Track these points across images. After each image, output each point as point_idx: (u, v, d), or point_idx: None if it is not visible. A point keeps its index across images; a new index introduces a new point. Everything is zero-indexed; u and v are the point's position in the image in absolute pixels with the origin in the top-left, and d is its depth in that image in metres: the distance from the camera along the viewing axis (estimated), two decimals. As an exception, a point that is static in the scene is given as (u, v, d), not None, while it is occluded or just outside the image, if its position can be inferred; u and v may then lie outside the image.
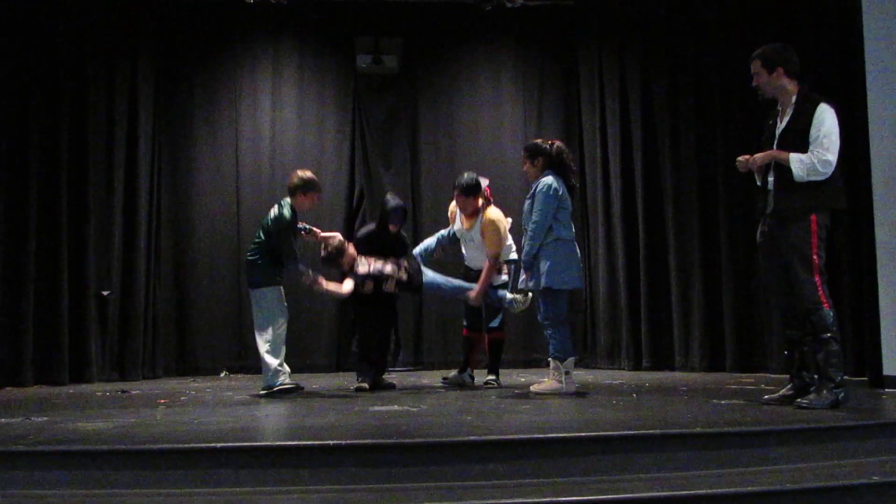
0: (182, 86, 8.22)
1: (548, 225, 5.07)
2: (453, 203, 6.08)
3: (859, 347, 5.83)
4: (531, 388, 5.24)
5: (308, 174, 5.55)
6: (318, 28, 8.49)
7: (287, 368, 5.46)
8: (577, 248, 5.30)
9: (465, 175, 5.85)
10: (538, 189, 5.13)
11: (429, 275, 5.84)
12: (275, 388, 5.34)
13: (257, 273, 5.47)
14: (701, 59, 7.51)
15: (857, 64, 5.59)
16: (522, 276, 5.24)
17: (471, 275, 5.96)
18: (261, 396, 5.36)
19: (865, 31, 5.50)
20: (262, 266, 5.46)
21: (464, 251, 6.10)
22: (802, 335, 4.26)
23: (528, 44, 8.63)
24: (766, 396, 4.46)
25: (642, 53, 7.88)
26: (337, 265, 5.71)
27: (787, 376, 4.45)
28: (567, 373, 5.10)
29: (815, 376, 4.21)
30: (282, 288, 5.53)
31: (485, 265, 5.69)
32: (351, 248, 5.72)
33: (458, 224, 6.02)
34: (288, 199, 5.50)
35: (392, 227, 5.85)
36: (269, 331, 5.42)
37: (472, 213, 5.86)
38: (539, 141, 5.42)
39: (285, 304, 5.54)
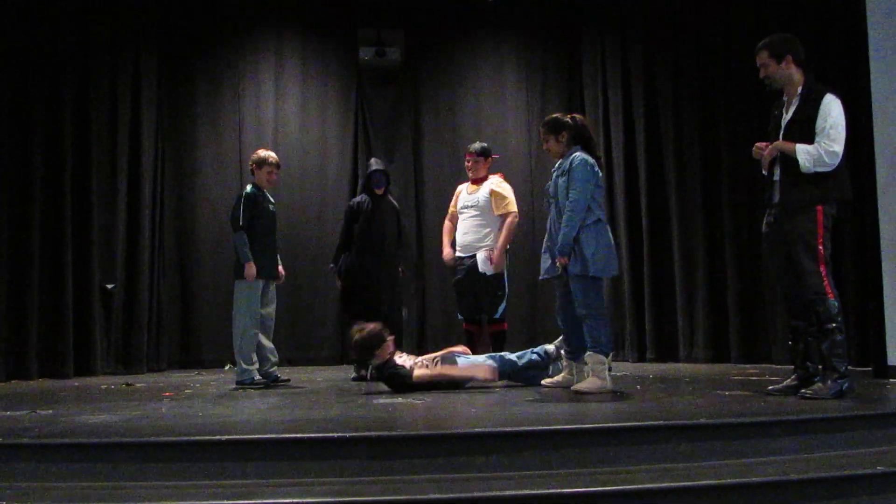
0: (185, 78, 8.23)
1: (587, 204, 4.62)
2: (461, 186, 6.34)
3: (864, 337, 5.83)
4: (573, 387, 4.76)
5: (260, 152, 5.85)
6: (321, 20, 8.49)
7: (256, 364, 5.55)
8: None
9: (478, 142, 6.26)
10: (573, 164, 4.68)
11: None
12: (245, 384, 5.49)
13: (234, 265, 5.66)
14: (704, 49, 7.49)
15: (860, 55, 5.56)
16: (548, 263, 4.83)
17: (464, 262, 6.01)
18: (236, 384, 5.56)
19: (869, 22, 5.48)
20: (236, 259, 5.63)
21: (458, 232, 6.17)
22: (807, 325, 4.26)
23: (531, 35, 8.61)
24: (770, 387, 4.46)
25: (645, 44, 7.86)
26: (368, 354, 5.20)
27: (792, 367, 4.45)
28: (609, 369, 4.70)
29: (820, 366, 4.21)
30: (258, 284, 5.54)
31: (503, 228, 5.94)
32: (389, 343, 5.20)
33: (463, 195, 6.20)
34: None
35: (377, 191, 6.09)
36: (237, 327, 5.54)
37: (479, 179, 6.15)
38: (558, 115, 5.00)
39: (260, 301, 5.57)
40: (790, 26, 5.79)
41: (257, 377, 5.54)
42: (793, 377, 4.36)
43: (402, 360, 5.18)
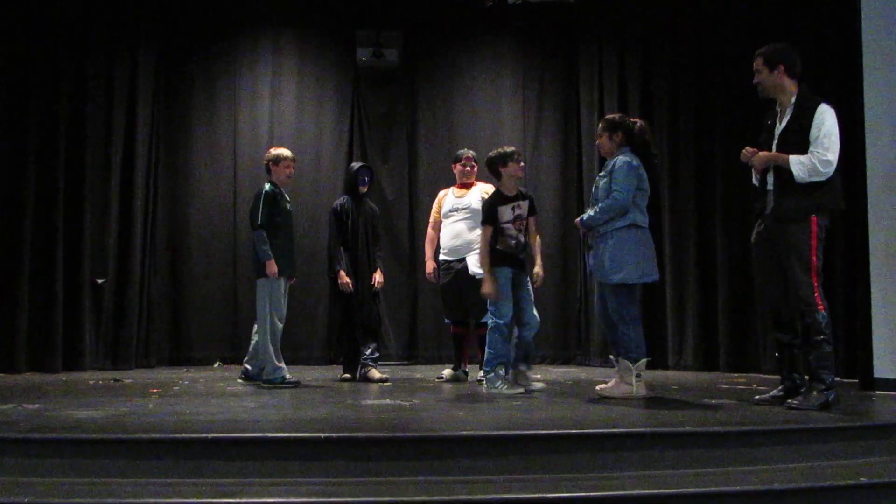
0: (181, 76, 8.21)
1: (628, 206, 4.61)
2: (443, 192, 6.36)
3: (851, 349, 5.84)
4: (597, 388, 4.78)
5: (273, 150, 5.87)
6: (319, 20, 8.48)
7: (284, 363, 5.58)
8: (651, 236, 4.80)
9: (468, 149, 6.38)
10: (616, 165, 4.70)
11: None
12: (276, 383, 5.47)
13: (254, 264, 5.62)
14: (701, 59, 7.50)
15: (855, 66, 5.59)
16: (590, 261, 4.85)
17: (452, 266, 6.00)
18: (262, 386, 5.53)
19: (864, 33, 5.51)
20: (255, 257, 5.61)
21: (445, 236, 6.14)
22: (793, 336, 4.28)
23: (529, 40, 8.62)
24: (756, 397, 4.48)
25: (642, 52, 7.88)
26: (492, 167, 5.22)
27: (779, 377, 4.47)
28: (638, 375, 4.66)
29: (807, 377, 4.23)
30: (280, 282, 5.55)
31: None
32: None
33: (450, 199, 6.20)
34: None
35: (362, 188, 6.13)
36: (262, 323, 5.54)
37: (468, 184, 6.19)
38: (621, 116, 5.00)
39: (281, 300, 5.60)
40: (786, 36, 5.80)
41: (288, 376, 5.54)
42: (779, 388, 4.39)
43: (507, 214, 5.10)
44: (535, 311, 5.18)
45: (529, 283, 5.22)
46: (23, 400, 4.53)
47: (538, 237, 5.36)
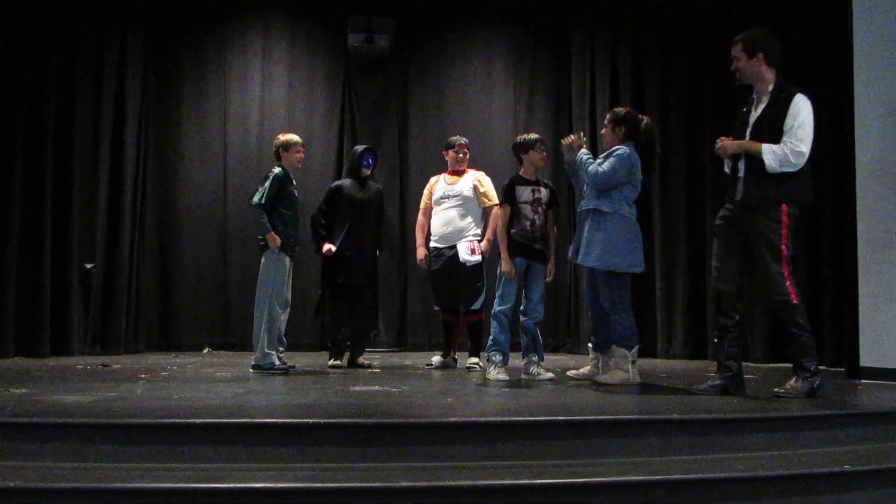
0: (171, 60, 8.16)
1: (611, 184, 4.65)
2: (434, 178, 6.34)
3: (838, 338, 5.88)
4: (597, 379, 4.85)
5: (282, 136, 5.77)
6: (311, 5, 8.43)
7: (275, 350, 5.51)
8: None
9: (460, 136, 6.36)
10: (614, 152, 4.73)
11: None
12: (264, 370, 5.42)
13: (258, 244, 5.57)
14: (692, 48, 7.50)
15: (846, 58, 5.60)
16: (571, 250, 4.94)
17: (442, 253, 5.99)
18: (251, 369, 5.49)
19: (855, 25, 5.51)
20: (258, 238, 5.57)
21: (436, 223, 6.13)
22: (735, 322, 4.27)
23: (521, 28, 8.60)
24: (697, 385, 4.39)
25: (634, 41, 7.86)
26: (515, 151, 5.30)
27: (716, 364, 4.39)
28: (633, 362, 4.76)
29: (794, 366, 4.23)
30: (284, 265, 5.49)
31: (490, 216, 5.94)
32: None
33: (441, 186, 6.18)
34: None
35: (365, 171, 6.10)
36: (261, 305, 5.47)
37: (460, 171, 6.17)
38: (630, 111, 4.99)
39: (285, 285, 5.52)
40: (777, 26, 5.77)
41: (277, 362, 5.48)
42: (718, 376, 4.32)
43: (525, 194, 5.13)
44: (541, 307, 5.14)
45: (542, 277, 5.17)
46: (10, 384, 4.51)
47: (555, 230, 5.31)
